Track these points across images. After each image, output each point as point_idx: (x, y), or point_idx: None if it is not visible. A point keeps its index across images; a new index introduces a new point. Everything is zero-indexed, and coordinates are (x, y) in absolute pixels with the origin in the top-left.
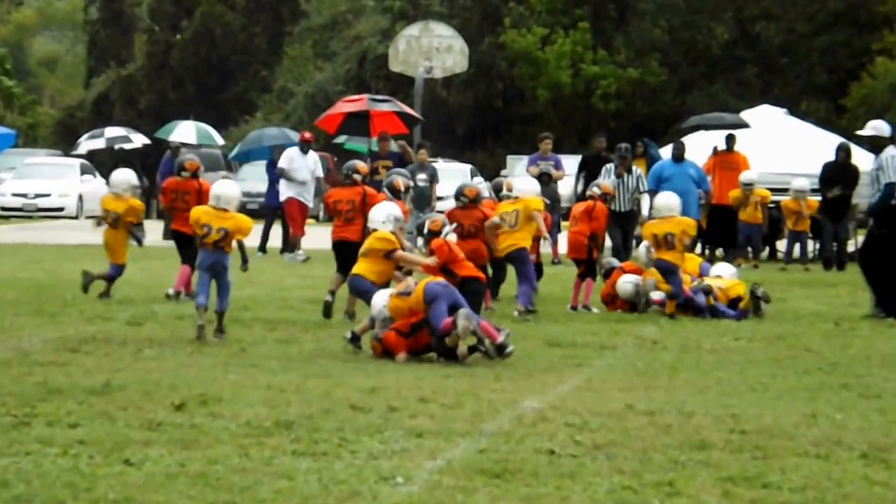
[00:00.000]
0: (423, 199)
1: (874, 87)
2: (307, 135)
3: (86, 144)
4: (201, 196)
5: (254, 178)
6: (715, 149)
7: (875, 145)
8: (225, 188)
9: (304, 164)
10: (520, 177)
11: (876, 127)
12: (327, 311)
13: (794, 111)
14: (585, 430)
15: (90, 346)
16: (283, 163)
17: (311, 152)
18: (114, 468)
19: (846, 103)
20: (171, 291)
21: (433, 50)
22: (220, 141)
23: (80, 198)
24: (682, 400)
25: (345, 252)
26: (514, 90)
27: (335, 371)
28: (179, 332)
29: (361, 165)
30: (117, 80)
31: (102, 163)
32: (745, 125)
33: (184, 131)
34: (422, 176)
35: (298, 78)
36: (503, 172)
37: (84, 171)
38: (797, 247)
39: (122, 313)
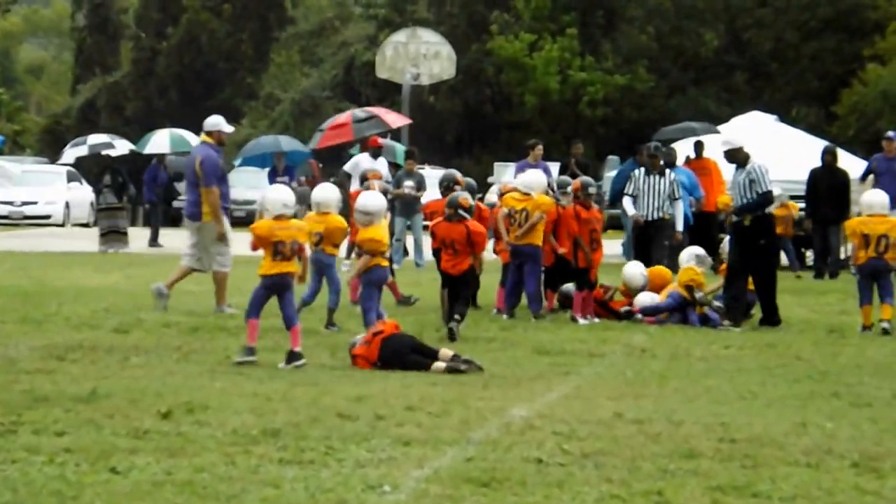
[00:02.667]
0: (410, 207)
1: (865, 94)
2: (379, 140)
3: (70, 153)
4: None
5: (242, 185)
6: (687, 158)
7: (734, 159)
8: (322, 193)
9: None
10: (529, 172)
11: (728, 142)
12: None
13: (785, 118)
14: (574, 439)
15: (77, 354)
16: (348, 168)
17: (381, 158)
18: (100, 476)
19: (837, 110)
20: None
21: (420, 56)
22: None
23: (67, 205)
24: (671, 408)
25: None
26: (501, 97)
27: (322, 379)
28: (166, 339)
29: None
30: (103, 88)
31: (89, 170)
32: (715, 132)
33: (158, 142)
34: (409, 183)
35: (285, 84)
36: (490, 179)
37: (71, 178)
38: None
39: (109, 321)
